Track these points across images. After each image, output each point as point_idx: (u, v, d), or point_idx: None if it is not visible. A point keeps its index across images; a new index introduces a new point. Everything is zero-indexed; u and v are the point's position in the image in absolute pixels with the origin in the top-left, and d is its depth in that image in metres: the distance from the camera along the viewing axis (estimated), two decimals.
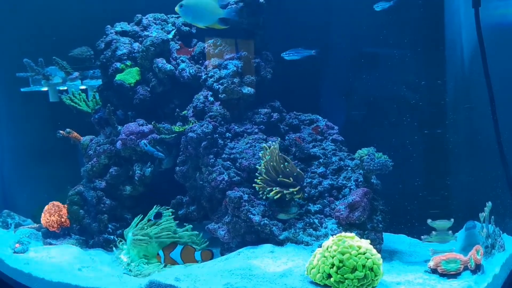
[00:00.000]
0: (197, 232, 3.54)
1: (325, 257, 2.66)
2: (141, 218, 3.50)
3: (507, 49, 3.04)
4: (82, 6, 4.15)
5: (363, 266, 2.59)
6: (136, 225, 3.47)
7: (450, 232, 3.15)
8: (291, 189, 3.20)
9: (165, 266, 3.34)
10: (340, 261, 2.60)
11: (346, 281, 2.58)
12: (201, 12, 3.02)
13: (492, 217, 2.92)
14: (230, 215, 3.35)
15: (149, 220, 3.49)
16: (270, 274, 2.85)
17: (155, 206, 3.54)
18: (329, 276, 2.62)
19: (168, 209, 3.59)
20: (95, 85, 4.18)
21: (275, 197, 3.21)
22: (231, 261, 3.08)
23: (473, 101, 3.38)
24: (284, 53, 3.56)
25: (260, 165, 3.31)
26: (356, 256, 2.61)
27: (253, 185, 3.31)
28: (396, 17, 3.44)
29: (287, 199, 3.24)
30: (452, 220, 3.13)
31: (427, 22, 3.56)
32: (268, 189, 3.22)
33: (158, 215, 3.51)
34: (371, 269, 2.60)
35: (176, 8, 3.04)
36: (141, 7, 4.19)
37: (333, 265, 2.61)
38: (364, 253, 2.63)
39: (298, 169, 3.30)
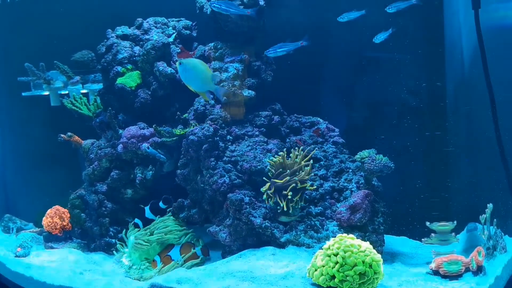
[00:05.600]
0: (194, 236, 3.58)
1: (328, 256, 2.66)
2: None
3: (507, 51, 3.05)
4: (83, 10, 4.17)
5: (363, 262, 2.60)
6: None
7: (453, 234, 3.15)
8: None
9: (162, 268, 3.35)
10: (343, 258, 2.62)
11: (347, 278, 2.59)
12: (194, 77, 3.18)
13: (494, 219, 2.92)
14: (232, 217, 3.35)
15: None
16: (272, 276, 2.85)
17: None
18: (332, 277, 2.63)
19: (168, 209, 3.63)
20: (96, 89, 4.20)
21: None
22: (232, 264, 3.08)
23: (473, 103, 3.38)
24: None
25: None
26: (356, 254, 2.62)
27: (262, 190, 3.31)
28: (396, 19, 3.44)
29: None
30: (455, 222, 3.12)
31: (427, 24, 3.57)
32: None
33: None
34: (370, 266, 2.61)
35: (177, 64, 3.22)
36: (142, 11, 4.20)
37: (336, 263, 2.62)
38: (364, 251, 2.65)
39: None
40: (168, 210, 3.65)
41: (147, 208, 3.62)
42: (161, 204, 3.63)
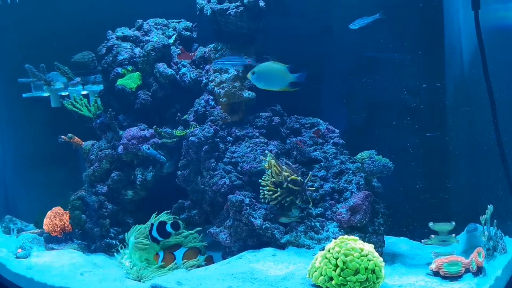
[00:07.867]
0: (197, 235, 3.55)
1: (327, 258, 2.66)
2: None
3: (507, 51, 3.05)
4: (83, 11, 4.18)
5: (366, 268, 2.59)
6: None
7: (453, 235, 3.15)
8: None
9: (162, 265, 3.34)
10: (344, 263, 2.60)
11: (348, 283, 2.58)
12: (273, 78, 3.19)
13: (494, 220, 2.92)
14: (232, 219, 3.35)
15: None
16: (272, 277, 2.85)
17: (153, 215, 3.53)
18: (331, 279, 2.62)
19: (168, 213, 3.61)
20: (97, 90, 4.20)
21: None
22: (232, 265, 3.08)
23: (473, 104, 3.38)
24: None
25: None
26: (358, 259, 2.60)
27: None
28: (395, 20, 3.45)
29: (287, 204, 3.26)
30: (453, 223, 3.13)
31: (427, 25, 3.57)
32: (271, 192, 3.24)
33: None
34: (373, 271, 2.60)
35: (248, 75, 3.21)
36: (142, 12, 4.21)
37: (336, 266, 2.61)
38: (366, 255, 2.63)
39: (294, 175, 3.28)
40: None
41: (154, 227, 3.39)
42: (168, 226, 3.39)
